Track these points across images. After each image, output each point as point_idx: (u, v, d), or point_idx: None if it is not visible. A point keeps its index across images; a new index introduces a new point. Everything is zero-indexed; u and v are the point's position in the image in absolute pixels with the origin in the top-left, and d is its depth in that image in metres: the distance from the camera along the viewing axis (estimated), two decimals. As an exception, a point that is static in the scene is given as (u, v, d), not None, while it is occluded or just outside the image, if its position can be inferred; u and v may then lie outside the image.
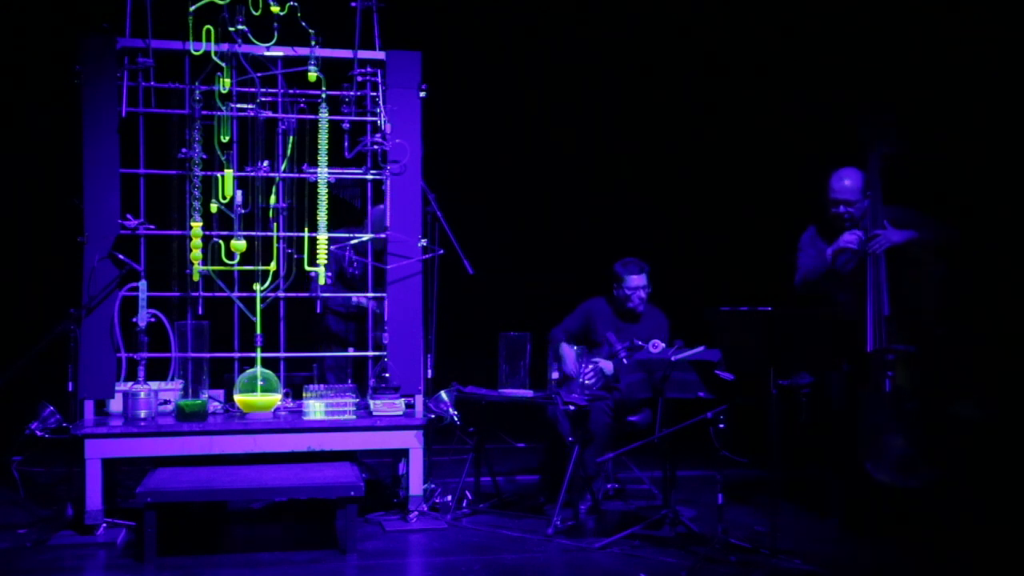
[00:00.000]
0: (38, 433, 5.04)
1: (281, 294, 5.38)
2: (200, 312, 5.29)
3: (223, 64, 5.24)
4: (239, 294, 5.32)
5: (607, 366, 5.59)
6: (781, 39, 7.56)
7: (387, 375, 5.29)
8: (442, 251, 5.50)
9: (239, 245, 5.26)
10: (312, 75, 5.30)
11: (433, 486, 5.47)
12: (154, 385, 5.15)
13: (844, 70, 6.96)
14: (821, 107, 6.96)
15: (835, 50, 7.09)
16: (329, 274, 5.39)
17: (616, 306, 5.89)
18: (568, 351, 5.57)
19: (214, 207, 5.27)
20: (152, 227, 5.22)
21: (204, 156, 5.24)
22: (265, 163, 5.35)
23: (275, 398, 5.22)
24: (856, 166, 5.34)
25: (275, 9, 5.22)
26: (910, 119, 5.42)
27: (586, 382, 5.48)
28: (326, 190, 5.35)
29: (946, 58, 6.21)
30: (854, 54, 6.92)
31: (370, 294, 5.58)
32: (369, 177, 5.47)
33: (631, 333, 5.75)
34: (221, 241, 5.28)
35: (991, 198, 5.95)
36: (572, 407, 5.24)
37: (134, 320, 5.09)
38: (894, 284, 5.10)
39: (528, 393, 5.50)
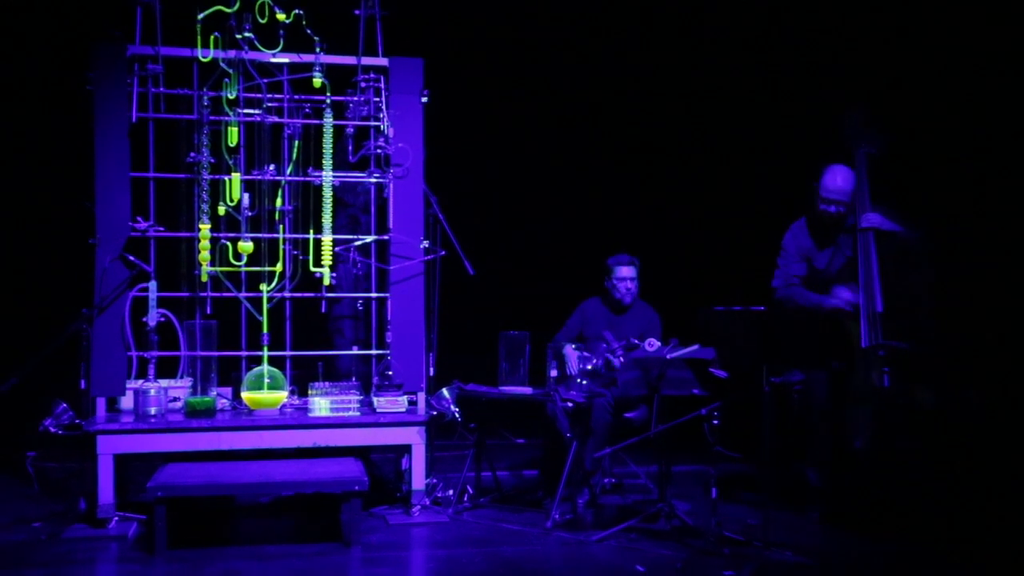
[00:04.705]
0: (52, 429, 5.13)
1: (287, 294, 5.48)
2: (208, 312, 5.39)
3: (230, 70, 5.33)
4: (246, 294, 5.42)
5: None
6: (776, 39, 7.64)
7: (390, 373, 5.39)
8: (444, 252, 5.59)
9: (246, 247, 5.35)
10: (317, 81, 5.39)
11: (435, 481, 5.58)
12: (164, 383, 5.24)
13: (833, 70, 7.03)
14: (812, 105, 7.03)
15: (826, 50, 7.17)
16: (334, 275, 5.48)
17: (607, 300, 6.01)
18: (571, 353, 5.65)
19: (222, 210, 5.36)
20: (162, 229, 5.32)
21: (212, 160, 5.34)
22: (271, 167, 5.45)
23: (281, 395, 5.32)
24: (845, 163, 5.42)
25: (281, 17, 5.31)
26: (894, 121, 5.50)
27: (582, 381, 5.56)
28: (331, 193, 5.45)
29: (931, 60, 6.27)
30: (844, 54, 7.00)
31: (373, 294, 5.67)
32: (372, 180, 5.56)
33: (621, 326, 5.84)
34: (229, 243, 5.37)
35: (977, 199, 6.01)
36: (571, 404, 5.34)
37: (144, 320, 5.19)
38: (887, 283, 5.17)
39: (527, 390, 5.60)
